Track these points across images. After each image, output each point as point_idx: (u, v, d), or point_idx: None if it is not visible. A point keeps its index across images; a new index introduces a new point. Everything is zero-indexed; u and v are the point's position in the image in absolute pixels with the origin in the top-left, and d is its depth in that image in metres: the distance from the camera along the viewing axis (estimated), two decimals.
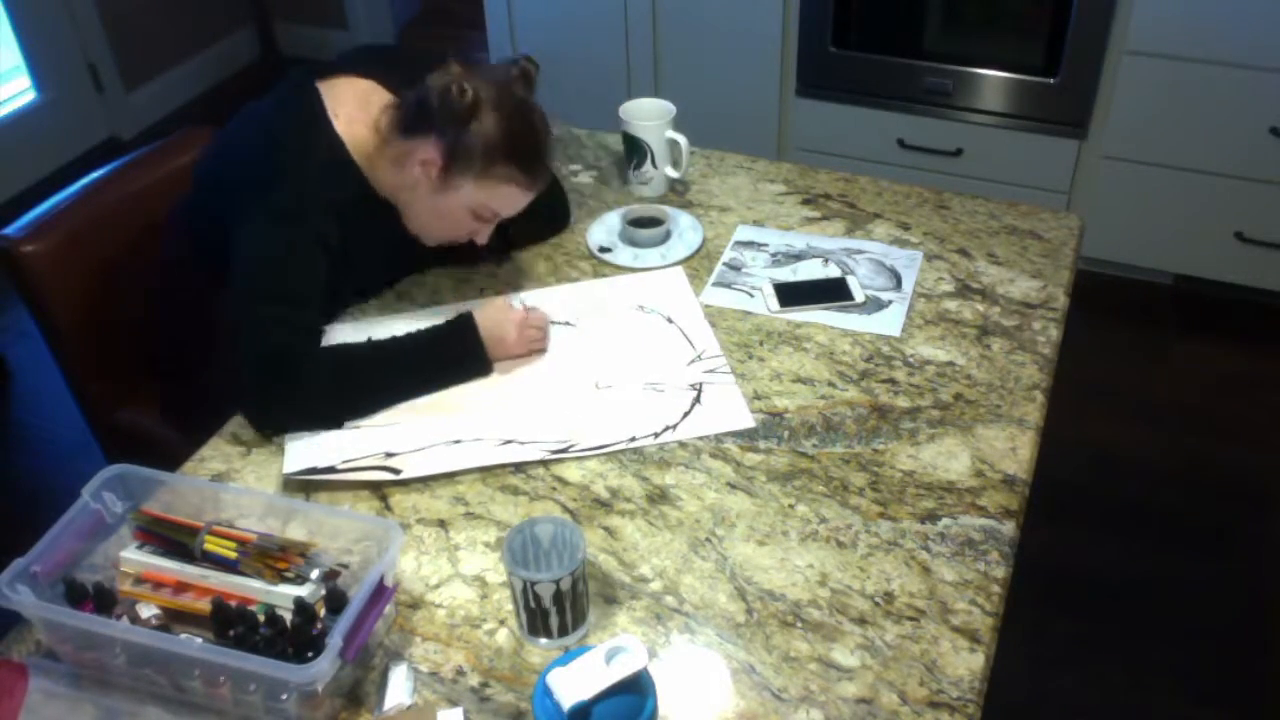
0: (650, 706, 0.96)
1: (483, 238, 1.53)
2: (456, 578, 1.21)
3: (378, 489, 1.32)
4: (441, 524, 1.27)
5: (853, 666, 1.10)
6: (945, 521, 1.25)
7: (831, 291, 1.59)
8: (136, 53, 3.85)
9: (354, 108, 1.49)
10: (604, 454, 1.35)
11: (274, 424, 1.39)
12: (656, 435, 1.37)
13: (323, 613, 1.12)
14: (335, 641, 1.01)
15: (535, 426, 1.38)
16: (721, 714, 1.07)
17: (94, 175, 1.77)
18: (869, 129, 2.99)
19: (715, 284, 1.62)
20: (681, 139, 1.76)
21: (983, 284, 1.61)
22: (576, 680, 0.94)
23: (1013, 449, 1.34)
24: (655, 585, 1.19)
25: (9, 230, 1.64)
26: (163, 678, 1.07)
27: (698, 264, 1.67)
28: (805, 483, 1.30)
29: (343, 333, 1.52)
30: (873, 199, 1.80)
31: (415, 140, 1.43)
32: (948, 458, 1.33)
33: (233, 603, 1.12)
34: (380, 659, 1.12)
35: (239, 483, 1.33)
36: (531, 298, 1.59)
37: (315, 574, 1.14)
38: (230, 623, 1.09)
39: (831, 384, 1.44)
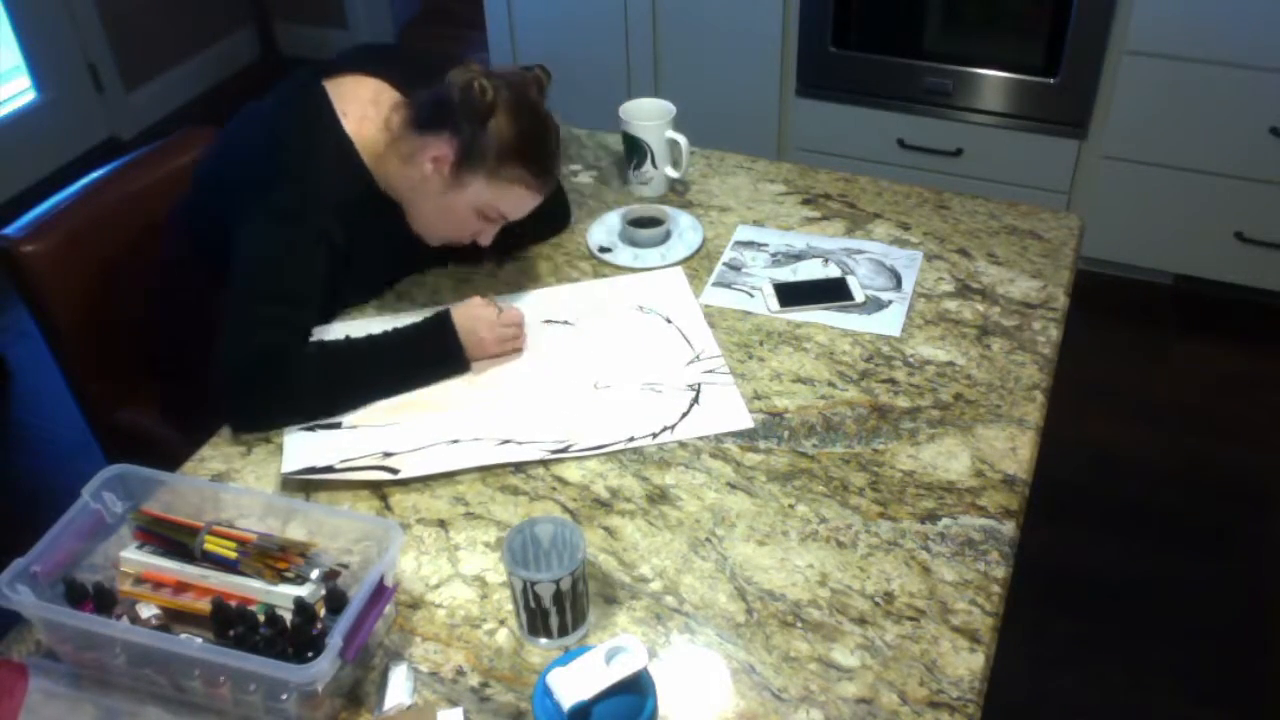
0: (650, 706, 0.96)
1: (486, 239, 1.54)
2: (456, 578, 1.21)
3: (378, 489, 1.32)
4: (441, 524, 1.27)
5: (853, 666, 1.10)
6: (945, 521, 1.25)
7: (831, 291, 1.59)
8: (136, 53, 3.85)
9: (363, 107, 1.49)
10: (603, 454, 1.35)
11: (256, 422, 1.39)
12: (655, 435, 1.37)
13: (323, 613, 1.12)
14: (335, 641, 1.01)
15: (534, 426, 1.38)
16: (721, 714, 1.07)
17: (94, 175, 1.77)
18: (869, 129, 2.99)
19: (715, 284, 1.62)
20: (681, 139, 1.76)
21: (983, 284, 1.61)
22: (576, 680, 0.94)
23: (1013, 449, 1.34)
24: (655, 585, 1.19)
25: (9, 230, 1.64)
26: (163, 678, 1.07)
27: (698, 264, 1.67)
28: (805, 483, 1.30)
29: (338, 332, 1.51)
30: (873, 199, 1.80)
31: (429, 136, 1.44)
32: (948, 458, 1.33)
33: (233, 603, 1.12)
34: (380, 659, 1.12)
35: (239, 483, 1.33)
36: (532, 298, 1.59)
37: (315, 574, 1.14)
38: (230, 623, 1.09)
39: (831, 384, 1.44)
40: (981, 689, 1.08)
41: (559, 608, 1.10)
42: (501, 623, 1.16)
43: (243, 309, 1.38)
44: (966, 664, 1.10)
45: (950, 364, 1.46)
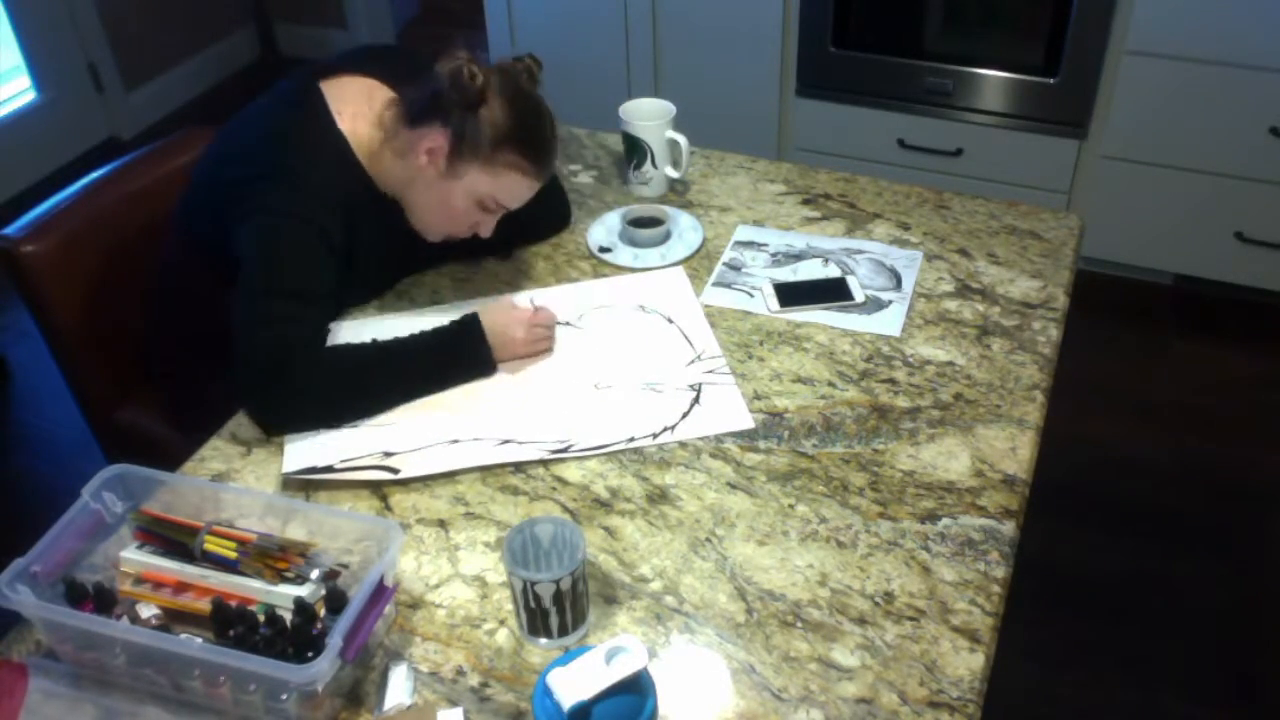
0: (650, 706, 0.96)
1: (485, 230, 1.53)
2: (456, 578, 1.21)
3: (378, 489, 1.32)
4: (441, 524, 1.27)
5: (853, 666, 1.10)
6: (945, 521, 1.25)
7: (831, 291, 1.59)
8: (136, 53, 3.85)
9: (357, 105, 1.49)
10: (603, 454, 1.35)
11: (278, 423, 1.39)
12: (655, 436, 1.37)
13: (323, 613, 1.12)
14: (335, 641, 1.01)
15: (534, 426, 1.38)
16: (721, 714, 1.07)
17: (94, 175, 1.77)
18: (869, 129, 2.99)
19: (715, 284, 1.62)
20: (681, 139, 1.76)
21: (983, 284, 1.61)
22: (576, 680, 0.94)
23: (1013, 449, 1.34)
24: (655, 585, 1.19)
25: (9, 230, 1.64)
26: (163, 678, 1.07)
27: (698, 264, 1.67)
28: (805, 483, 1.30)
29: (344, 332, 1.51)
30: (873, 199, 1.80)
31: (422, 129, 1.43)
32: (948, 458, 1.33)
33: (233, 603, 1.12)
34: (380, 659, 1.12)
35: (239, 483, 1.33)
36: (531, 298, 1.59)
37: (315, 574, 1.14)
38: (230, 623, 1.09)
39: (831, 384, 1.44)
40: (981, 689, 1.08)
41: (559, 608, 1.10)
42: (501, 623, 1.16)
43: (252, 308, 1.38)
44: (966, 664, 1.10)
45: (950, 364, 1.47)
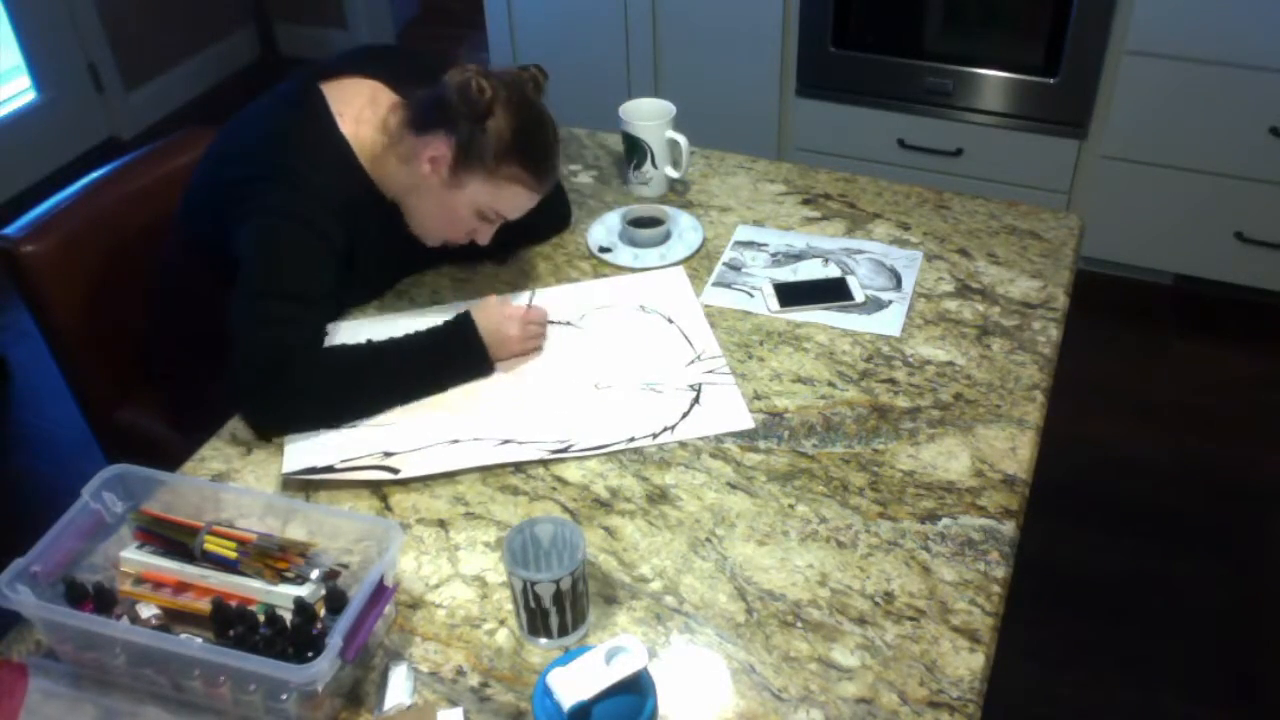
0: (650, 706, 0.96)
1: (483, 238, 1.54)
2: (456, 578, 1.21)
3: (378, 489, 1.32)
4: (441, 524, 1.27)
5: (853, 666, 1.10)
6: (945, 521, 1.25)
7: (831, 291, 1.59)
8: (136, 53, 3.85)
9: (360, 108, 1.49)
10: (603, 454, 1.35)
11: (274, 424, 1.39)
12: (655, 436, 1.37)
13: (323, 613, 1.12)
14: (335, 641, 1.01)
15: (534, 426, 1.38)
16: (721, 714, 1.07)
17: (94, 175, 1.77)
18: (869, 129, 2.99)
19: (715, 284, 1.62)
20: (681, 139, 1.76)
21: (983, 284, 1.61)
22: (576, 680, 0.94)
23: (1013, 449, 1.34)
24: (655, 585, 1.19)
25: (9, 230, 1.64)
26: (163, 678, 1.07)
27: (698, 264, 1.67)
28: (805, 483, 1.30)
29: (343, 333, 1.51)
30: (873, 199, 1.80)
31: (427, 136, 1.44)
32: (948, 458, 1.33)
33: (233, 603, 1.12)
34: (380, 659, 1.12)
35: (239, 483, 1.33)
36: (531, 297, 1.59)
37: (315, 574, 1.14)
38: (230, 623, 1.09)
39: (831, 384, 1.44)
40: (981, 689, 1.08)
41: (559, 608, 1.10)
42: (501, 623, 1.16)
43: (250, 309, 1.38)
44: (966, 664, 1.10)
45: (950, 364, 1.47)
